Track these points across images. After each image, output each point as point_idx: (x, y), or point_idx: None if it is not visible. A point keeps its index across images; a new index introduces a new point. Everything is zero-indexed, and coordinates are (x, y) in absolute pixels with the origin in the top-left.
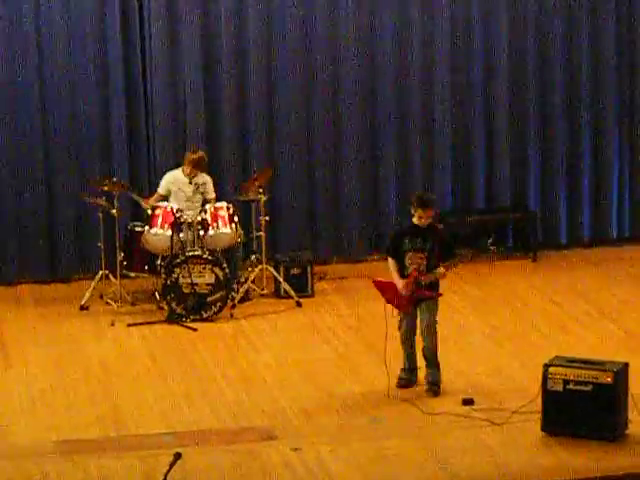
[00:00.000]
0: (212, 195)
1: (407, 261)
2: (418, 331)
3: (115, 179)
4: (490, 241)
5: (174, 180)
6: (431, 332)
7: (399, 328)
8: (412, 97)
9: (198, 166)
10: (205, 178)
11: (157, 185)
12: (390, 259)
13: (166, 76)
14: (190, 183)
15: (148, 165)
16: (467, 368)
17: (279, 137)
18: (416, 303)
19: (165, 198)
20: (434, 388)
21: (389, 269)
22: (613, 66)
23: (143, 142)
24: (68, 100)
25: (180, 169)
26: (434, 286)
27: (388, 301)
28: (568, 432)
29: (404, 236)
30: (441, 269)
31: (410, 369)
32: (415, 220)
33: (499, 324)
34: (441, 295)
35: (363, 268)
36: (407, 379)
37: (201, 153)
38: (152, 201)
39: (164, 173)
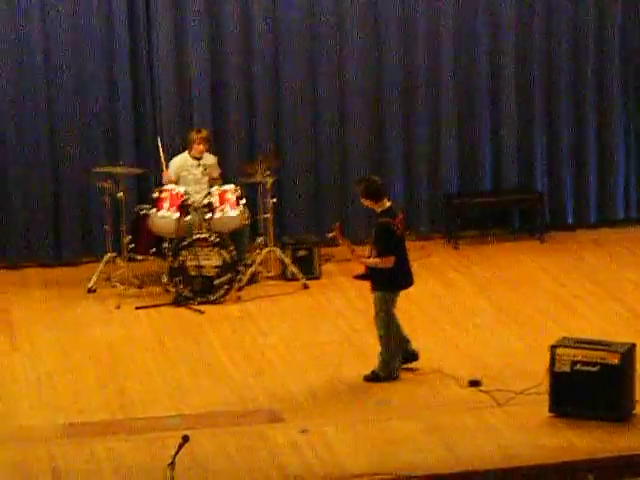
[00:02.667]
0: (217, 174)
1: None
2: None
3: (122, 163)
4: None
5: (181, 164)
6: (376, 323)
7: None
8: (418, 79)
9: (209, 142)
10: (211, 158)
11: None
12: None
13: (172, 60)
14: (198, 165)
15: (155, 149)
16: (474, 350)
17: (285, 119)
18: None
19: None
20: (368, 375)
21: None
22: (618, 47)
23: (150, 125)
24: (74, 83)
25: (185, 153)
26: (378, 274)
27: None
28: (575, 413)
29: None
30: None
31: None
32: None
33: (506, 306)
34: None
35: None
36: (375, 374)
37: (205, 130)
38: (172, 177)
39: (170, 157)
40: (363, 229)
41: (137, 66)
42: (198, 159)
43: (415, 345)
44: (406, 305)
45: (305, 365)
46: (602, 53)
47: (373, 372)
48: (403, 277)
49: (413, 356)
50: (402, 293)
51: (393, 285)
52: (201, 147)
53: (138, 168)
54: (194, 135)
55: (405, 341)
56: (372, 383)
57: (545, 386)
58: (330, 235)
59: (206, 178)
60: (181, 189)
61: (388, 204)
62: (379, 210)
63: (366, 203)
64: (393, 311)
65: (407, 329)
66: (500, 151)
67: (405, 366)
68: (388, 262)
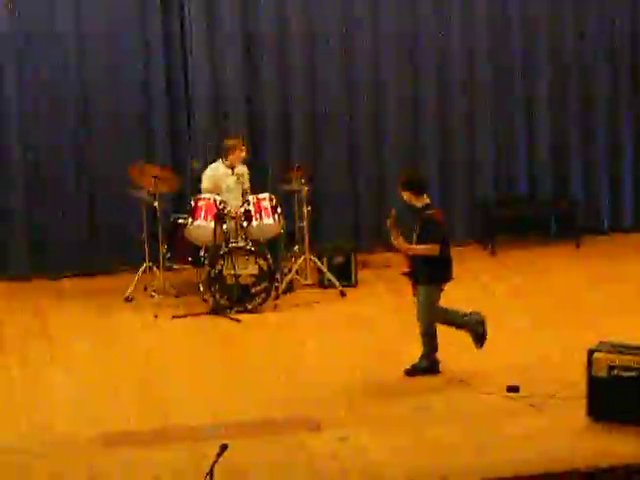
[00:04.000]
0: (248, 184)
1: None
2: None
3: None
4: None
5: (214, 174)
6: (418, 318)
7: None
8: (454, 86)
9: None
10: (244, 168)
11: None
12: None
13: (207, 68)
14: (233, 174)
15: (190, 158)
16: (511, 355)
17: (321, 127)
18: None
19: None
20: (408, 369)
21: None
22: None
23: (184, 134)
24: (109, 89)
25: (219, 162)
26: (424, 268)
27: None
28: (613, 418)
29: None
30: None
31: (422, 358)
32: None
33: (543, 311)
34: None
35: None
36: (413, 367)
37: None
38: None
39: (204, 166)
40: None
41: (172, 74)
42: (232, 168)
43: (456, 351)
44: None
45: (343, 372)
46: (638, 56)
47: (413, 366)
48: (446, 270)
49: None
50: (442, 300)
51: (436, 278)
52: (244, 153)
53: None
54: (233, 142)
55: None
56: (413, 379)
57: (582, 390)
58: (388, 223)
59: (240, 187)
60: (217, 198)
61: (427, 200)
62: (419, 205)
63: (407, 196)
64: (437, 305)
65: (444, 334)
66: (536, 156)
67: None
68: (434, 250)
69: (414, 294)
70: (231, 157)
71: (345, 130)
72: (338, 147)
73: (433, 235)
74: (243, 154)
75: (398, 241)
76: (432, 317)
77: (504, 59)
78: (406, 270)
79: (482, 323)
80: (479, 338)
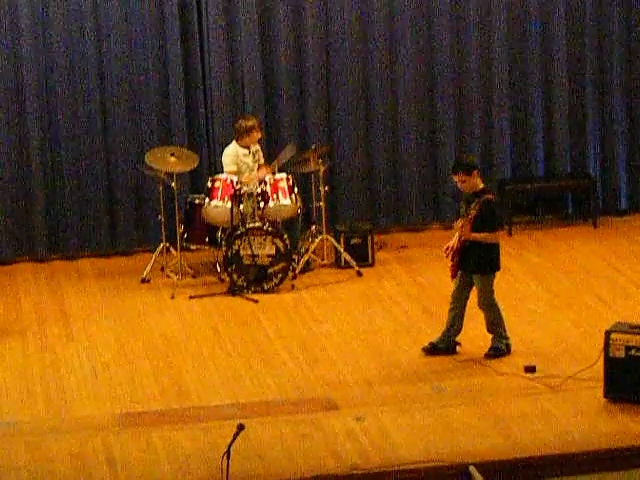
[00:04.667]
0: (262, 160)
1: (456, 227)
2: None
3: (173, 153)
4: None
5: (235, 154)
6: (481, 306)
7: None
8: (470, 64)
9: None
10: (256, 146)
11: (215, 156)
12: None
13: (223, 49)
14: (250, 154)
15: (207, 138)
16: (528, 335)
17: (337, 106)
18: (461, 269)
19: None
20: (489, 352)
21: None
22: None
23: (201, 115)
24: (126, 70)
25: (234, 144)
26: (480, 258)
27: None
28: (630, 398)
29: (462, 201)
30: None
31: (442, 336)
32: None
33: (560, 291)
34: (453, 264)
35: (423, 236)
36: (432, 345)
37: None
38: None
39: (222, 146)
40: (415, 217)
41: (189, 54)
42: (247, 147)
43: (471, 332)
44: None
45: (359, 352)
46: None
47: (492, 348)
48: (499, 257)
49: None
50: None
51: (494, 266)
52: (260, 134)
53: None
54: (249, 123)
55: (458, 328)
56: (430, 358)
57: (599, 371)
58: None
59: (256, 165)
60: (234, 178)
61: (482, 184)
62: (476, 188)
63: (461, 178)
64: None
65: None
66: (553, 136)
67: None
68: (498, 237)
69: (454, 276)
70: (246, 139)
71: (362, 111)
72: (355, 127)
73: (495, 221)
74: (259, 134)
75: (465, 229)
76: (493, 301)
77: (521, 40)
78: (454, 262)
79: (508, 348)
80: (496, 352)
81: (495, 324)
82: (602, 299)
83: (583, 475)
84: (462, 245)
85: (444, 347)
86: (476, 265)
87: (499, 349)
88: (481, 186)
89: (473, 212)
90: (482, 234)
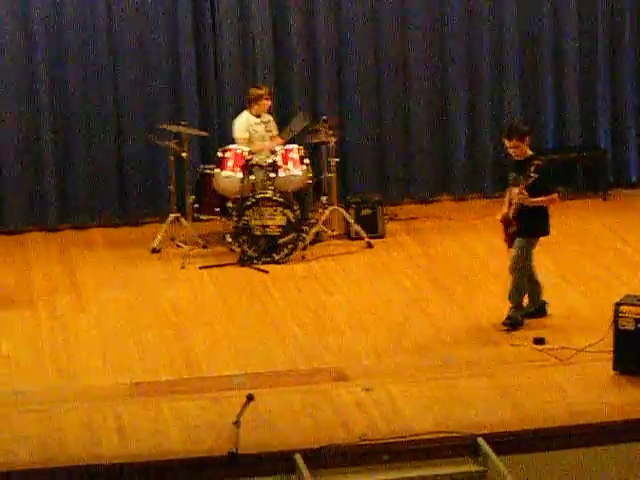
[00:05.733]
0: (276, 131)
1: (509, 195)
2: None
3: (184, 122)
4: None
5: (247, 122)
6: (513, 269)
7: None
8: (480, 37)
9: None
10: (268, 115)
11: (225, 127)
12: (507, 190)
13: (235, 18)
14: (261, 122)
15: (218, 108)
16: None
17: (348, 78)
18: (520, 236)
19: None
20: (506, 322)
21: None
22: None
23: (212, 85)
24: (136, 43)
25: (246, 112)
26: (530, 220)
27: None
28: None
29: (510, 169)
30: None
31: (530, 302)
32: None
33: (570, 263)
34: (516, 228)
35: (433, 208)
36: (514, 317)
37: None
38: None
39: (232, 117)
40: (425, 188)
41: (200, 24)
42: (258, 116)
43: (482, 303)
44: (471, 262)
45: (369, 324)
46: None
47: (509, 317)
48: (548, 222)
49: (542, 308)
50: (467, 251)
51: (542, 230)
52: (268, 102)
53: (200, 128)
54: (260, 91)
55: (538, 290)
56: (439, 330)
57: (609, 343)
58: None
59: (268, 135)
60: (245, 148)
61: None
62: (528, 153)
63: (514, 144)
64: (532, 256)
65: (472, 286)
66: (563, 109)
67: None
68: (554, 200)
69: (510, 245)
70: (256, 107)
71: (373, 82)
72: (366, 99)
73: (551, 184)
74: (269, 103)
75: (521, 195)
76: (525, 265)
77: (532, 14)
78: (514, 229)
79: (521, 319)
80: (512, 321)
81: (517, 292)
82: (612, 271)
83: (592, 447)
84: (518, 212)
85: (535, 310)
86: (522, 228)
87: (516, 319)
88: (530, 153)
89: (531, 178)
90: (540, 198)
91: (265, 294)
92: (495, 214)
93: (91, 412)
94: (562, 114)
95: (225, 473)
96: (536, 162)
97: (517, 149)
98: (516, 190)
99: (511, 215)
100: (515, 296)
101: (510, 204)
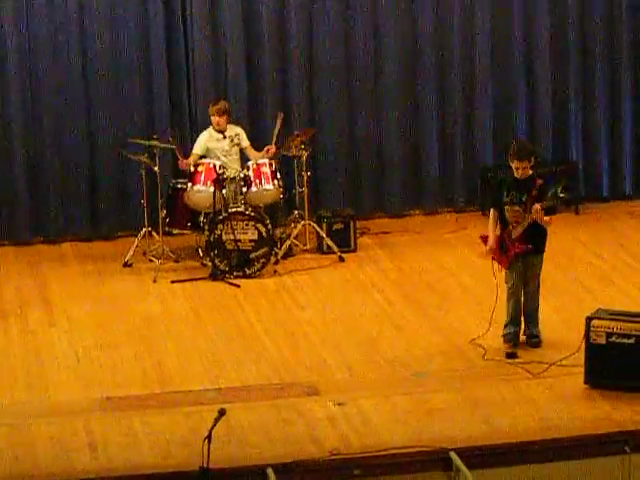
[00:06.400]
0: (247, 143)
1: (506, 214)
2: None
3: (156, 137)
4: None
5: (209, 137)
6: (536, 287)
7: (506, 282)
8: (452, 50)
9: (226, 113)
10: (236, 129)
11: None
12: (492, 210)
13: (206, 34)
14: (224, 137)
15: (190, 123)
16: None
17: (320, 93)
18: (520, 258)
19: (202, 158)
20: (534, 340)
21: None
22: None
23: (184, 101)
24: (109, 54)
25: (210, 128)
26: (543, 238)
27: (492, 257)
28: (611, 385)
29: (503, 188)
30: (543, 217)
31: (515, 323)
32: (514, 172)
33: (542, 277)
34: (529, 249)
35: (405, 223)
36: (513, 333)
37: (223, 101)
38: (191, 160)
39: (198, 133)
40: (397, 203)
41: (173, 40)
42: (222, 132)
43: (454, 317)
44: (442, 276)
45: (341, 338)
46: (638, 21)
47: (537, 335)
48: None
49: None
50: (439, 265)
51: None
52: (217, 119)
53: (173, 142)
54: (210, 108)
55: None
56: (411, 345)
57: (581, 357)
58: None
59: (235, 149)
60: (217, 163)
61: None
62: (529, 173)
63: (524, 165)
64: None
65: (443, 301)
66: (535, 122)
67: None
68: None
69: (510, 265)
70: (213, 123)
71: (345, 97)
72: (338, 114)
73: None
74: (221, 119)
75: (539, 215)
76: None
77: (504, 25)
78: (525, 248)
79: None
80: (539, 338)
81: (537, 309)
82: (584, 285)
83: (564, 461)
84: (527, 230)
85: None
86: (539, 245)
87: (539, 333)
88: (530, 172)
89: (540, 199)
90: (548, 217)
91: (237, 308)
92: (477, 236)
93: (62, 426)
94: (534, 128)
95: None
96: (539, 182)
97: (525, 169)
98: (516, 208)
99: (516, 235)
100: (537, 314)
101: (508, 223)
